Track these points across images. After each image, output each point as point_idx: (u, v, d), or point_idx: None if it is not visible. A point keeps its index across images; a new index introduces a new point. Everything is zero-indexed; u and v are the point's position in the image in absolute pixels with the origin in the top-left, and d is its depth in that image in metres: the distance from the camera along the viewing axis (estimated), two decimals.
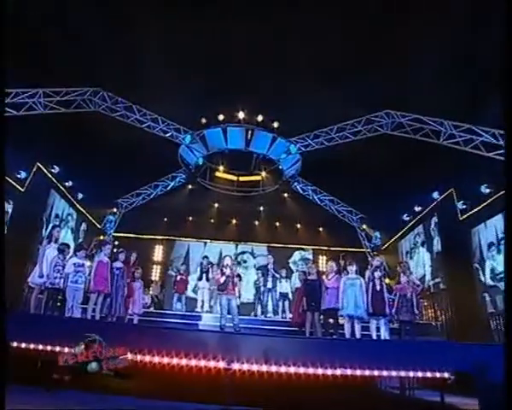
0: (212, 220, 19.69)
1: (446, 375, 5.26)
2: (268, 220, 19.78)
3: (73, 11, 10.27)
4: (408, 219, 16.63)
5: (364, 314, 7.99)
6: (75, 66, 11.13)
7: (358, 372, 5.14)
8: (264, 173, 15.50)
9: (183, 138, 14.04)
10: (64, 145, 12.25)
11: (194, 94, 12.28)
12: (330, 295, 8.28)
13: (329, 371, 5.10)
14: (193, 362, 5.23)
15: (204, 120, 13.72)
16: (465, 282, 12.60)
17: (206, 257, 13.27)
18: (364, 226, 18.05)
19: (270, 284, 11.97)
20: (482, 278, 12.27)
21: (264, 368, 5.16)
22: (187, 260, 19.13)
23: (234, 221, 20.03)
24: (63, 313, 7.91)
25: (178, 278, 12.71)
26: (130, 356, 4.96)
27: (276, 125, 13.60)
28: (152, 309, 13.66)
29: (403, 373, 5.33)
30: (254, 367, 5.17)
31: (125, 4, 10.66)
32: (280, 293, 12.22)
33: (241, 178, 16.34)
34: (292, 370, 5.12)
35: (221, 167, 15.36)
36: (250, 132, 13.78)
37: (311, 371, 5.08)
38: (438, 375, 5.30)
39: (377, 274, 8.36)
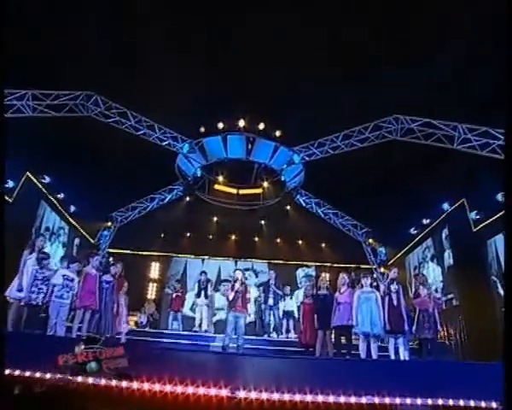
0: (211, 236, 18.86)
1: (494, 405, 4.38)
2: (269, 235, 18.95)
3: (67, 9, 9.74)
4: (415, 232, 15.88)
5: (381, 332, 7.20)
6: (67, 68, 10.52)
7: (387, 400, 4.31)
8: (265, 184, 14.75)
9: (180, 147, 13.36)
10: (56, 154, 11.59)
11: (192, 101, 11.70)
12: (343, 310, 7.47)
13: (353, 400, 4.26)
14: (190, 390, 4.38)
15: (203, 129, 13.10)
16: (481, 296, 11.77)
17: (204, 272, 12.54)
18: (370, 240, 17.26)
19: (271, 301, 11.21)
20: (501, 291, 11.45)
21: (276, 396, 4.30)
22: (184, 277, 18.31)
23: (233, 236, 19.22)
24: (45, 331, 7.10)
25: (174, 295, 12.15)
26: (114, 383, 4.15)
27: (278, 133, 12.96)
28: (148, 329, 12.92)
29: (440, 401, 4.47)
30: (264, 395, 4.32)
31: (123, 3, 10.17)
32: (283, 311, 11.47)
33: (242, 191, 15.59)
34: (308, 398, 4.26)
35: (220, 178, 14.61)
36: (251, 141, 13.11)
37: (331, 399, 4.24)
38: (483, 405, 4.42)
39: (394, 287, 7.59)
